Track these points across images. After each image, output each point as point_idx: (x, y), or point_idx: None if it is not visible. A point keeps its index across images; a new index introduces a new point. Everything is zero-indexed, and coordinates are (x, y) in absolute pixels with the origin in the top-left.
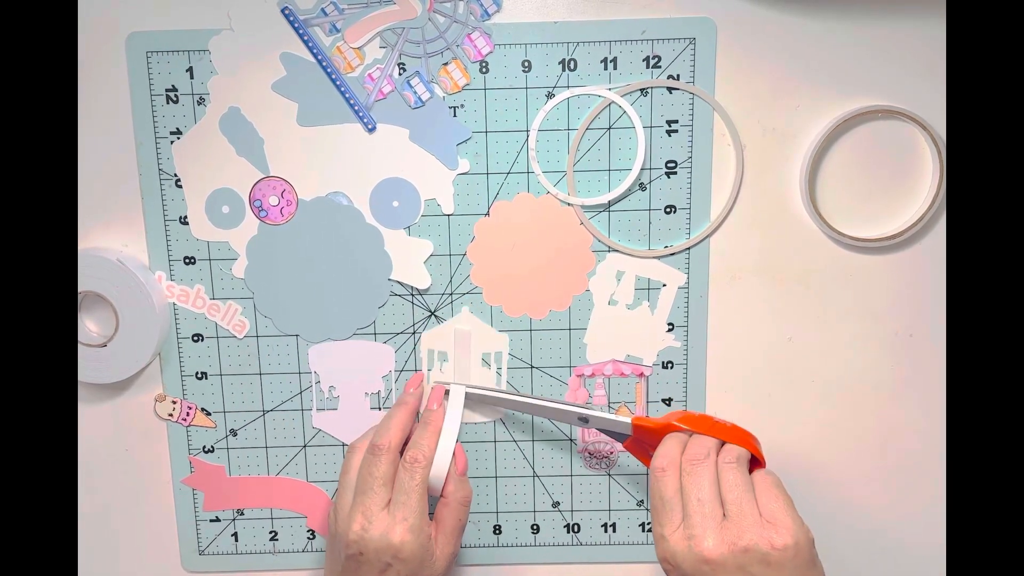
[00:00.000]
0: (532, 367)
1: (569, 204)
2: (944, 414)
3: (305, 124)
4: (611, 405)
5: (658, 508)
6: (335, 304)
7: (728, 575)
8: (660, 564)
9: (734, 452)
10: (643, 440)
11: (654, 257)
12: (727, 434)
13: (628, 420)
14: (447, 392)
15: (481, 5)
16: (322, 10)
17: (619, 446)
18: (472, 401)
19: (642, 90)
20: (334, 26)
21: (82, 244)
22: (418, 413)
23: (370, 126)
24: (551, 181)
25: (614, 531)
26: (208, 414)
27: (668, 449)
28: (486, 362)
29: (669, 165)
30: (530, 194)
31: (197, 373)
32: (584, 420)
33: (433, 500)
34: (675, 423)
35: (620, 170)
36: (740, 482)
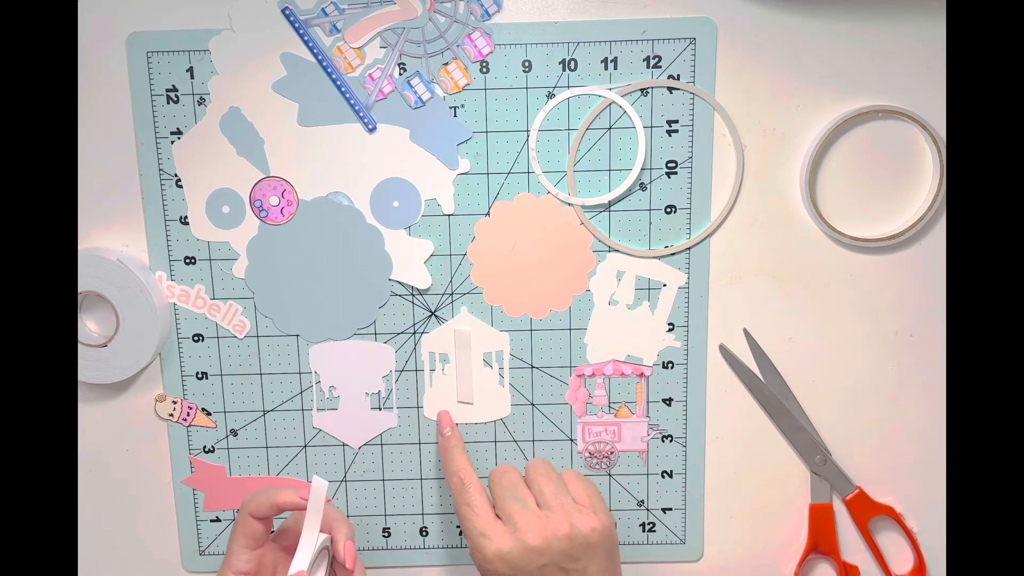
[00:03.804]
0: (532, 367)
1: (569, 204)
2: (944, 414)
3: (305, 124)
4: (611, 405)
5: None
6: (335, 304)
7: (552, 558)
8: (484, 566)
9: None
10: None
11: (654, 257)
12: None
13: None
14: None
15: (481, 5)
16: (322, 10)
17: (619, 446)
18: None
19: (642, 90)
20: (334, 26)
21: (82, 244)
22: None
23: (370, 126)
24: (551, 181)
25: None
26: (208, 414)
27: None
28: (487, 362)
29: (669, 165)
30: (530, 194)
31: (197, 373)
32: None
33: None
34: None
35: (620, 170)
36: (553, 477)
